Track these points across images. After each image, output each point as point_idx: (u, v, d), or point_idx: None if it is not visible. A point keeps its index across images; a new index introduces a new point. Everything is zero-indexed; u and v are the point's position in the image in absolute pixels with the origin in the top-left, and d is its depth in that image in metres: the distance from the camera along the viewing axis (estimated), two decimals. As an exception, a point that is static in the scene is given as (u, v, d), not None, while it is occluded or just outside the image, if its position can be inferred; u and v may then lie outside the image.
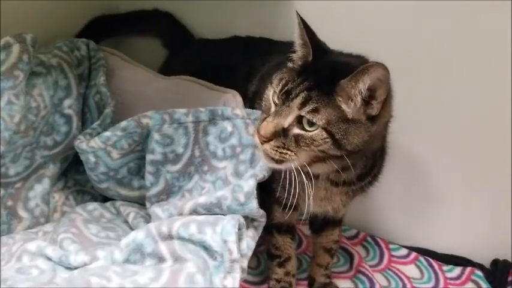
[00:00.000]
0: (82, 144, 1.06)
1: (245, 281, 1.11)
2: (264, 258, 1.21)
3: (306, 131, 0.87)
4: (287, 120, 0.88)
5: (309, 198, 1.01)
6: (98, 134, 1.06)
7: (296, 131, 0.87)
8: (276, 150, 0.88)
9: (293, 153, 0.88)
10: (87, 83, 1.25)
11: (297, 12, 0.91)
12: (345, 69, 0.87)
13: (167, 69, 1.36)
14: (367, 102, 0.87)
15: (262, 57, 1.20)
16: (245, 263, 0.91)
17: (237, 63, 1.24)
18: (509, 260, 1.33)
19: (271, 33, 1.32)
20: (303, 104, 0.86)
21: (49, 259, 0.95)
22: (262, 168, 1.00)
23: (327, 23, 1.05)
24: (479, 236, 1.37)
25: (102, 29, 1.43)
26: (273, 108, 0.91)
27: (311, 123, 0.86)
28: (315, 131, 0.86)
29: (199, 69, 1.27)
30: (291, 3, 1.33)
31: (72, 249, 0.96)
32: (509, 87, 1.23)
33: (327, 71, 0.89)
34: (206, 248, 0.89)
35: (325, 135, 0.86)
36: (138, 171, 1.11)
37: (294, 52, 0.95)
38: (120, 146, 1.04)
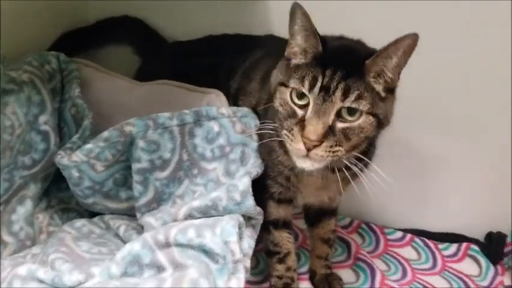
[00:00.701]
0: (63, 159, 1.01)
1: (246, 281, 1.08)
2: (262, 257, 1.19)
3: (351, 121, 0.85)
4: (330, 117, 0.85)
5: (305, 188, 1.00)
6: (79, 147, 1.02)
7: (340, 124, 0.85)
8: (329, 151, 0.85)
9: (343, 148, 0.86)
10: (61, 96, 1.20)
11: (297, 2, 0.86)
12: (359, 50, 0.88)
13: (142, 76, 1.32)
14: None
15: (241, 53, 1.18)
16: (248, 263, 0.89)
17: (215, 62, 1.22)
18: (503, 231, 1.34)
19: (247, 31, 1.30)
20: (344, 95, 0.84)
21: (41, 282, 0.90)
22: (254, 165, 0.98)
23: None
24: (472, 212, 1.39)
25: (73, 44, 1.38)
26: (299, 111, 0.87)
27: (352, 113, 0.85)
28: (361, 118, 0.85)
29: (176, 73, 1.24)
30: (266, 3, 1.32)
31: (65, 268, 0.91)
32: (498, 65, 1.25)
33: (345, 56, 0.87)
34: (207, 252, 0.86)
35: (372, 119, 0.86)
36: (125, 182, 1.07)
37: (289, 47, 0.91)
38: (103, 158, 1.00)
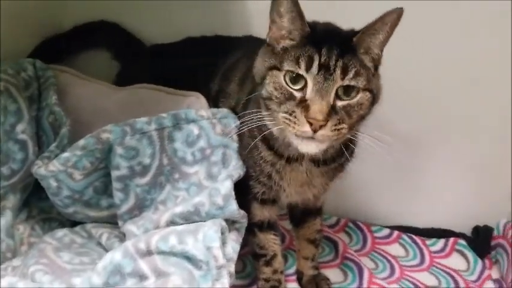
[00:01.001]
0: (40, 169, 0.99)
1: (232, 285, 1.07)
2: (249, 260, 1.17)
3: (349, 99, 0.85)
4: (332, 96, 0.84)
5: (288, 185, 0.98)
6: (56, 156, 1.00)
7: (340, 103, 0.85)
8: (335, 129, 0.83)
9: (346, 126, 0.85)
10: (38, 104, 1.18)
11: None
12: (342, 29, 0.89)
13: (121, 81, 1.30)
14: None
15: (220, 55, 1.17)
16: (232, 268, 0.88)
17: (194, 65, 1.20)
18: (490, 225, 1.35)
19: (225, 32, 1.28)
20: (344, 73, 0.84)
21: (22, 295, 0.88)
22: (236, 167, 0.97)
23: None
24: (458, 206, 1.39)
25: (52, 52, 1.35)
26: (296, 93, 0.85)
27: (349, 90, 0.85)
28: (359, 95, 0.86)
29: (156, 76, 1.22)
30: (244, 3, 1.31)
31: (46, 280, 0.89)
32: (488, 63, 1.26)
33: (333, 34, 0.87)
34: (189, 258, 0.85)
35: (368, 94, 0.86)
36: (105, 189, 1.05)
37: (270, 31, 0.90)
38: (81, 166, 0.98)
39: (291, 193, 1.03)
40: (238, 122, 1.03)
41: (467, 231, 1.38)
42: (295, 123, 0.84)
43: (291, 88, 0.85)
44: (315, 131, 0.82)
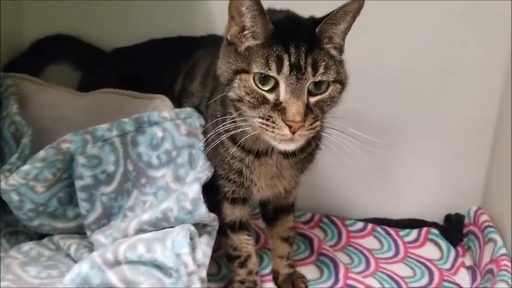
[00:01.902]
0: (1, 183, 0.96)
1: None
2: (224, 263, 1.16)
3: (320, 93, 0.85)
4: (305, 94, 0.83)
5: (259, 179, 0.98)
6: (18, 167, 0.97)
7: (313, 99, 0.84)
8: (311, 128, 0.83)
9: (320, 121, 0.85)
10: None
11: None
12: (301, 19, 0.88)
13: (84, 88, 1.27)
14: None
15: (184, 55, 1.16)
16: (204, 273, 0.86)
17: (158, 66, 1.18)
18: (461, 213, 1.36)
19: (189, 32, 1.27)
20: (314, 69, 0.83)
21: (-12, 314, 0.85)
22: (204, 168, 0.96)
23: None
24: (429, 196, 1.41)
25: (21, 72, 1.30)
26: (268, 95, 0.83)
27: (319, 85, 0.84)
28: (330, 88, 0.86)
29: (120, 80, 1.19)
30: (206, 3, 1.29)
31: (12, 297, 0.87)
32: (455, 54, 1.28)
33: (295, 27, 0.85)
34: (159, 267, 0.83)
35: (338, 86, 0.87)
36: (70, 199, 1.03)
37: (231, 29, 0.87)
38: (43, 178, 0.95)
39: (262, 187, 1.02)
40: (203, 121, 1.03)
41: (440, 220, 1.39)
42: (273, 127, 0.83)
43: (263, 90, 0.84)
44: (293, 133, 0.82)
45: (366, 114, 1.26)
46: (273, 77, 0.83)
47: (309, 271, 1.18)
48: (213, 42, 1.11)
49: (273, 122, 0.82)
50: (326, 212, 1.41)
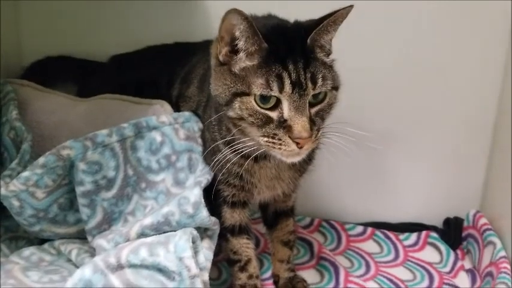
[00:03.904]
0: (1, 189, 0.96)
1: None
2: (224, 267, 1.16)
3: (319, 102, 0.86)
4: (307, 108, 0.84)
5: (259, 181, 0.99)
6: (19, 173, 0.97)
7: (313, 109, 0.86)
8: (316, 139, 0.85)
9: (321, 131, 0.87)
10: (-1, 120, 1.15)
11: (234, 8, 0.81)
12: (288, 28, 0.89)
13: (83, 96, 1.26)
14: None
15: (180, 61, 1.16)
16: (206, 277, 0.86)
17: (155, 73, 1.19)
18: (460, 216, 1.37)
19: (186, 36, 1.27)
20: (314, 83, 0.84)
21: (-11, 320, 0.85)
22: (203, 172, 0.96)
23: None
24: (428, 199, 1.41)
25: None
26: (272, 114, 0.83)
27: (317, 95, 0.85)
28: (328, 96, 0.87)
29: (116, 88, 1.19)
30: (204, 7, 1.30)
31: (14, 302, 0.87)
32: (452, 57, 1.28)
33: (287, 40, 0.85)
34: (161, 270, 0.83)
35: (335, 92, 0.89)
36: (71, 205, 1.03)
37: (222, 51, 0.87)
38: (43, 184, 0.95)
39: (262, 189, 1.03)
40: (201, 125, 1.04)
41: (439, 223, 1.40)
42: (280, 145, 0.84)
43: (265, 109, 0.84)
44: (301, 148, 0.84)
45: (363, 117, 1.27)
46: (275, 96, 0.84)
47: (309, 275, 1.18)
48: (208, 47, 1.12)
49: (280, 140, 0.84)
50: (325, 216, 1.42)
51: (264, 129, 0.85)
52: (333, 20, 0.85)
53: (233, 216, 1.05)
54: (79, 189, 0.96)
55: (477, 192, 1.37)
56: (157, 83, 1.17)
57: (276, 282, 1.16)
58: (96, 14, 1.37)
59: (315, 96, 0.85)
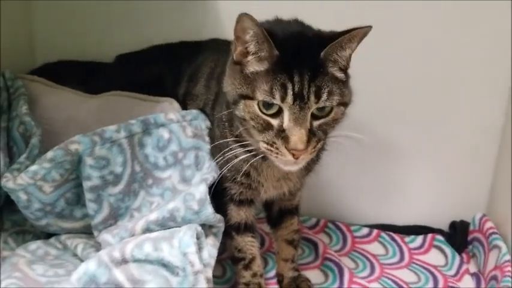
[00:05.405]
0: (9, 182, 0.97)
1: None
2: (229, 265, 1.16)
3: (324, 116, 0.86)
4: (308, 120, 0.84)
5: (266, 180, 1.00)
6: (27, 167, 0.98)
7: (316, 122, 0.86)
8: (314, 150, 0.86)
9: (322, 142, 0.88)
10: (9, 115, 1.16)
11: (244, 13, 0.82)
12: (307, 38, 0.87)
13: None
14: None
15: (186, 60, 1.17)
16: (209, 273, 0.86)
17: (160, 72, 1.20)
18: (466, 220, 1.36)
19: (195, 35, 1.28)
20: (317, 97, 0.83)
21: (-5, 311, 0.86)
22: (210, 170, 0.97)
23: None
24: (434, 202, 1.41)
25: None
26: (273, 121, 0.84)
27: (322, 109, 0.85)
28: (334, 111, 0.87)
29: (122, 87, 1.20)
30: (214, 3, 1.30)
31: (19, 294, 0.87)
32: (458, 61, 1.29)
33: (301, 51, 0.85)
34: (165, 265, 0.83)
35: (342, 108, 0.88)
36: (78, 200, 1.03)
37: (236, 51, 0.87)
38: (51, 178, 0.96)
39: (269, 188, 1.03)
40: (209, 123, 1.04)
41: (445, 227, 1.39)
42: (277, 153, 0.85)
43: (267, 116, 0.85)
44: (297, 158, 0.84)
45: (371, 122, 1.28)
46: (277, 104, 0.84)
47: (313, 275, 1.18)
48: (214, 45, 1.13)
49: (277, 149, 0.85)
50: (331, 217, 1.42)
51: (264, 135, 0.86)
52: (348, 38, 0.84)
53: (239, 214, 1.05)
54: (86, 184, 0.97)
55: (484, 196, 1.37)
56: (163, 81, 1.18)
57: (280, 282, 1.16)
58: (107, 14, 1.39)
59: (320, 109, 0.85)
